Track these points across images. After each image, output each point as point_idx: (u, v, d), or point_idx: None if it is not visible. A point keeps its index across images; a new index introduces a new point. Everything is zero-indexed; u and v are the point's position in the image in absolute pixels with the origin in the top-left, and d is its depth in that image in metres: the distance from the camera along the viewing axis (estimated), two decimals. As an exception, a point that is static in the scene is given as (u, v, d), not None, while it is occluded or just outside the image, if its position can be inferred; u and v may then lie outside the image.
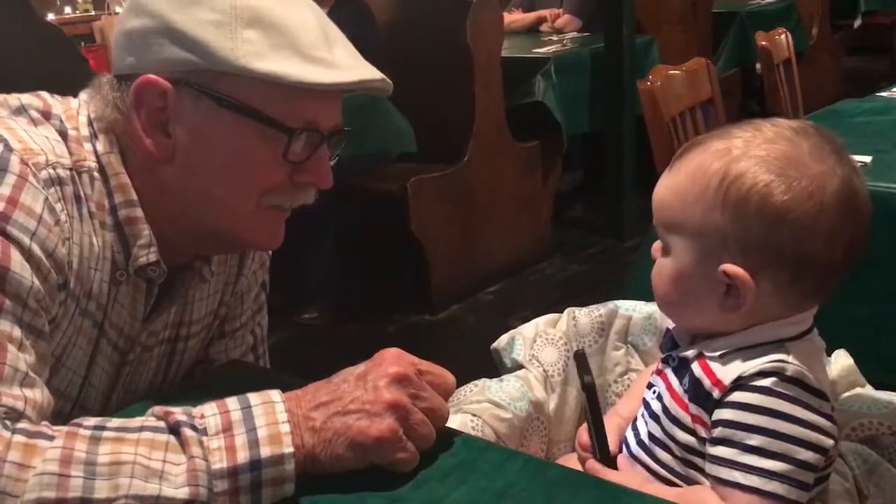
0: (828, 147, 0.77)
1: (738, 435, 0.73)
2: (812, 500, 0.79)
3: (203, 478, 0.69)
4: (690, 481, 0.80)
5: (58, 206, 0.83)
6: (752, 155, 0.76)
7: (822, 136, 0.78)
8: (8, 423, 0.70)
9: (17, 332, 0.77)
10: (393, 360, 0.78)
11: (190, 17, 0.84)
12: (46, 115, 0.89)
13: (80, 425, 0.71)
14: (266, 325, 1.20)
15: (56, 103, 0.91)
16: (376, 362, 0.78)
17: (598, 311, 1.12)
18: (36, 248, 0.79)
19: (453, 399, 1.00)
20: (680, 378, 0.82)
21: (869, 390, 0.94)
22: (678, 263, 0.80)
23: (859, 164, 1.55)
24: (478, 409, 1.00)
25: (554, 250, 3.58)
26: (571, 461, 0.99)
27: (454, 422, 0.96)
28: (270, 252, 1.15)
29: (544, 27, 4.35)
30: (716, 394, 0.77)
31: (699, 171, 0.78)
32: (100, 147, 0.89)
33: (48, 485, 0.66)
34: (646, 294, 1.12)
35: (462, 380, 0.95)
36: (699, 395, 0.79)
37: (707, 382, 0.78)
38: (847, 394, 0.94)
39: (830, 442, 0.74)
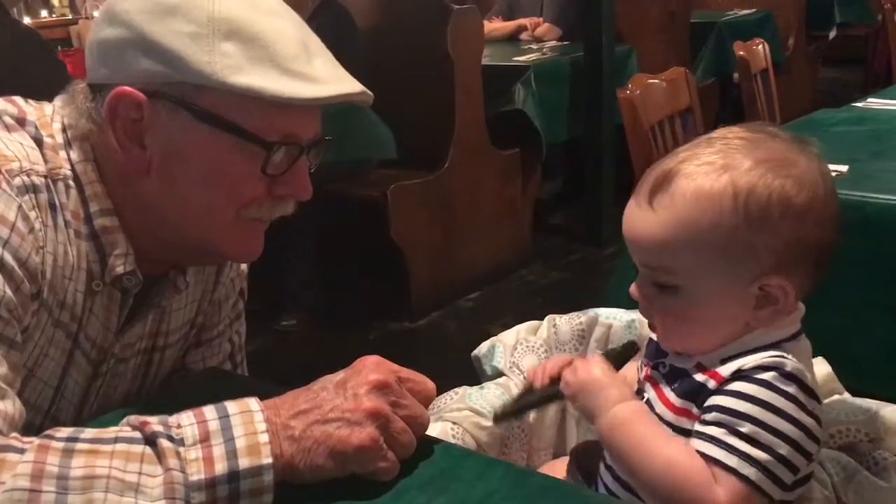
0: (792, 139, 0.80)
1: (730, 420, 0.74)
2: (791, 506, 0.80)
3: (180, 490, 0.67)
4: None
5: (32, 214, 0.82)
6: (747, 166, 0.76)
7: (779, 132, 0.81)
8: None
9: None
10: (373, 367, 0.77)
11: (166, 28, 0.82)
12: (21, 122, 0.87)
13: (51, 437, 0.69)
14: (244, 333, 1.18)
15: (30, 109, 0.89)
16: (356, 370, 0.78)
17: (579, 318, 1.12)
18: (8, 257, 0.78)
19: (433, 407, 0.99)
20: (671, 384, 0.82)
21: (847, 398, 0.95)
22: (697, 296, 0.78)
23: (835, 173, 1.57)
24: (458, 417, 0.99)
25: (533, 257, 3.58)
26: (553, 469, 0.99)
27: (434, 430, 0.95)
28: (246, 265, 1.14)
29: (524, 35, 4.37)
30: (711, 384, 0.77)
31: (701, 197, 0.76)
32: (74, 156, 0.87)
33: (19, 501, 0.64)
34: (624, 302, 1.13)
35: (442, 387, 0.95)
36: (690, 390, 0.79)
37: (703, 377, 0.78)
38: (826, 401, 0.94)
39: (815, 447, 0.75)
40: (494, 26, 4.42)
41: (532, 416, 1.06)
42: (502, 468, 0.78)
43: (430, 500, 0.72)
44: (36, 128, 0.87)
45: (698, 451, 0.74)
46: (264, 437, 0.71)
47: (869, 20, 6.02)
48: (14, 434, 0.71)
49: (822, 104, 3.04)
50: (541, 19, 4.38)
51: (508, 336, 1.11)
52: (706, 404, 0.77)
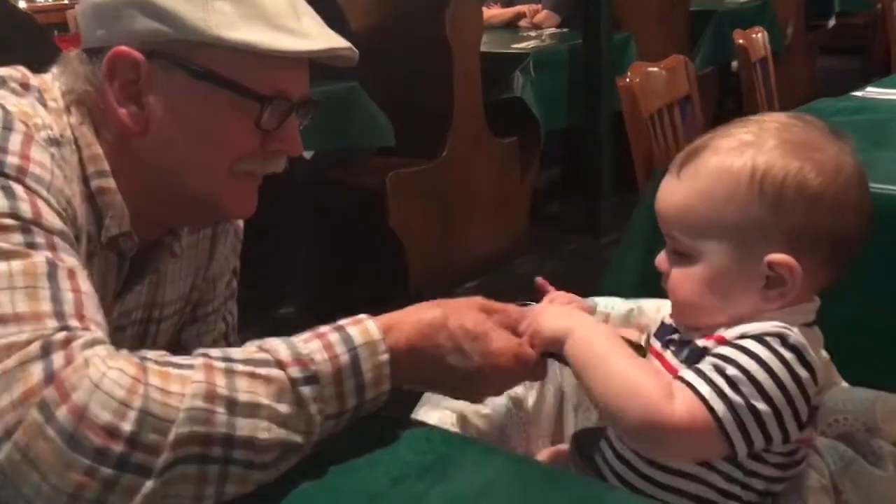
0: (827, 129, 0.81)
1: (719, 363, 0.75)
2: (788, 494, 0.80)
3: (317, 424, 0.73)
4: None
5: (62, 164, 0.84)
6: (770, 146, 0.78)
7: (817, 122, 0.82)
8: (124, 351, 0.71)
9: (76, 261, 0.77)
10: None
11: None
12: (25, 87, 0.89)
13: (209, 356, 0.72)
14: (236, 314, 1.20)
15: (32, 75, 0.91)
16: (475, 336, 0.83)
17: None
18: (53, 201, 0.79)
19: (431, 396, 1.00)
20: (678, 355, 0.83)
21: (845, 387, 0.95)
22: (712, 267, 0.80)
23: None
24: (457, 404, 1.00)
25: (531, 247, 3.58)
26: (551, 456, 0.99)
27: (433, 418, 0.95)
28: (242, 238, 1.15)
29: (523, 23, 4.35)
30: (711, 344, 0.78)
31: (722, 171, 0.78)
32: (73, 119, 0.89)
33: (198, 419, 0.67)
34: (621, 291, 1.13)
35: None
36: (693, 355, 0.79)
37: (707, 342, 0.79)
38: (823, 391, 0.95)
39: (794, 423, 0.74)
40: (493, 13, 4.41)
41: (531, 402, 1.06)
42: (501, 456, 0.78)
43: (429, 488, 0.72)
44: (40, 92, 0.89)
45: (678, 377, 0.75)
46: (387, 370, 0.77)
47: (868, 8, 6.01)
48: (162, 351, 0.73)
49: (820, 93, 3.03)
50: (539, 6, 4.36)
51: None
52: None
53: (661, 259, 0.85)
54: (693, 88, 2.37)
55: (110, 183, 0.90)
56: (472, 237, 3.32)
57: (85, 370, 0.67)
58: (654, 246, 0.86)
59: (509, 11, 4.47)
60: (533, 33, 4.06)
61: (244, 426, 0.69)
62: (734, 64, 3.80)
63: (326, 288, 3.16)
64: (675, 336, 0.85)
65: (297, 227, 2.95)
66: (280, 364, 0.73)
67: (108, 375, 0.67)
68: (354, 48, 0.94)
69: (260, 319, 2.94)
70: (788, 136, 0.79)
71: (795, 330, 0.77)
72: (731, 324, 0.80)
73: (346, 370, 0.75)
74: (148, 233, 0.96)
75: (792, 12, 5.15)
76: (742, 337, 0.77)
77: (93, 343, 0.70)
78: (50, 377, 0.66)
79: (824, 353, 0.97)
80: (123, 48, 0.86)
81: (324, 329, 0.78)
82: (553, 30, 4.15)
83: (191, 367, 0.71)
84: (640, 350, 0.85)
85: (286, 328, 1.23)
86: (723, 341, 0.78)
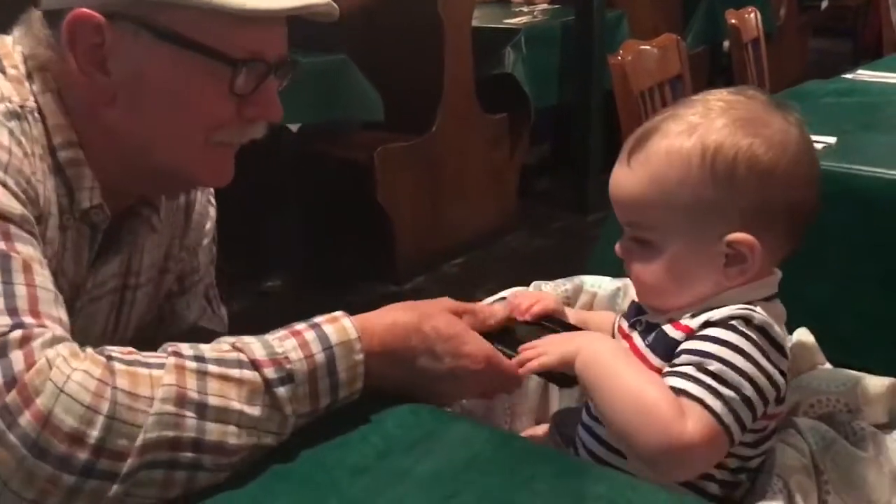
0: (771, 103, 0.81)
1: (698, 360, 0.75)
2: (768, 473, 0.81)
3: (290, 424, 0.73)
4: None
5: (22, 139, 0.80)
6: (718, 125, 0.77)
7: (759, 96, 0.82)
8: (89, 350, 0.69)
9: (33, 252, 0.74)
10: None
11: None
12: None
13: (181, 355, 0.70)
14: (213, 272, 1.18)
15: None
16: (450, 338, 0.81)
17: (564, 285, 1.12)
18: (11, 182, 0.76)
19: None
20: (644, 338, 0.83)
21: (827, 367, 0.96)
22: (671, 252, 0.80)
23: (824, 145, 1.57)
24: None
25: (519, 223, 3.58)
26: (534, 434, 1.00)
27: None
28: (213, 198, 1.12)
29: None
30: (681, 337, 0.78)
31: (672, 154, 0.78)
32: (35, 87, 0.84)
33: (167, 424, 0.66)
34: (608, 269, 1.13)
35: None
36: (664, 345, 0.79)
37: (674, 331, 0.79)
38: (807, 373, 0.95)
39: (773, 393, 0.76)
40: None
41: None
42: (486, 432, 0.78)
43: (415, 463, 0.72)
44: None
45: (669, 386, 0.75)
46: (361, 369, 0.76)
47: (860, -9, 6.01)
48: (129, 349, 0.71)
49: (812, 74, 3.03)
50: None
51: (493, 301, 1.10)
52: (677, 351, 0.78)
53: (618, 247, 0.84)
54: (685, 68, 2.37)
55: (79, 154, 0.85)
56: (461, 213, 3.32)
57: (48, 373, 0.64)
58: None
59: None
60: (525, 9, 4.03)
61: (214, 431, 0.68)
62: (726, 43, 3.79)
63: (313, 262, 3.16)
64: (643, 318, 0.85)
65: (283, 200, 2.93)
66: (254, 364, 0.71)
67: (72, 378, 0.65)
68: (333, 3, 0.89)
69: (246, 292, 2.94)
70: (734, 113, 0.78)
71: (758, 309, 0.77)
72: (695, 304, 0.80)
73: (321, 369, 0.74)
74: (120, 203, 0.92)
75: (785, -7, 5.14)
76: (707, 324, 0.77)
77: (53, 342, 0.67)
78: (11, 381, 0.63)
79: (810, 338, 0.98)
80: (83, 10, 0.80)
81: (299, 326, 0.76)
82: (545, 6, 4.12)
83: (161, 366, 0.69)
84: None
85: (272, 301, 1.22)
86: (690, 332, 0.78)
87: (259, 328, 0.77)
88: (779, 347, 0.77)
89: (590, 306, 1.10)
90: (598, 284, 1.11)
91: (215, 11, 0.80)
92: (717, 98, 0.81)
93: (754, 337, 0.75)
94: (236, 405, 0.69)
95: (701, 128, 0.78)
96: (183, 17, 0.81)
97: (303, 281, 3.06)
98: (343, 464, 0.72)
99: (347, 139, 3.11)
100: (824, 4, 5.80)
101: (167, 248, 1.05)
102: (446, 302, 0.87)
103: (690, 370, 0.75)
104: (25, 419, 0.62)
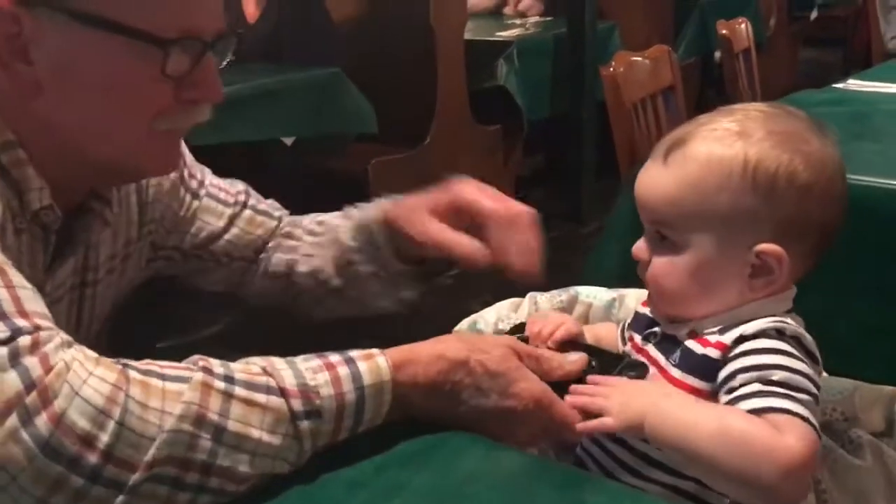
0: (811, 121, 0.82)
1: (759, 374, 0.74)
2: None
3: (307, 457, 0.71)
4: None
5: None
6: (759, 136, 0.78)
7: (800, 113, 0.83)
8: (105, 359, 0.67)
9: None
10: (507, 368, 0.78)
11: None
12: None
13: (211, 372, 0.68)
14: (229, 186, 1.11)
15: None
16: (503, 378, 0.78)
17: (560, 296, 1.12)
18: None
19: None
20: (667, 354, 0.82)
21: (824, 377, 0.96)
22: (698, 256, 0.79)
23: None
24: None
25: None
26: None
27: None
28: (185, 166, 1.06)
29: (507, 10, 4.34)
30: (716, 354, 0.77)
31: (712, 160, 0.78)
32: None
33: (180, 443, 0.65)
34: (602, 280, 1.13)
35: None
36: (693, 363, 0.79)
37: (703, 349, 0.78)
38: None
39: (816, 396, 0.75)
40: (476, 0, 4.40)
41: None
42: (484, 446, 0.77)
43: (412, 476, 0.72)
44: None
45: (748, 410, 0.72)
46: (385, 409, 0.75)
47: (849, 1, 6.05)
48: (146, 360, 0.69)
49: (802, 84, 3.05)
50: None
51: (489, 313, 1.11)
52: (722, 377, 0.76)
53: (641, 247, 0.84)
54: (676, 78, 2.38)
55: (20, 154, 0.81)
56: (455, 225, 3.31)
57: (66, 374, 0.64)
58: (636, 235, 0.86)
59: (493, -1, 4.46)
60: (517, 21, 4.05)
61: (227, 456, 0.67)
62: (717, 54, 3.81)
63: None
64: (656, 329, 0.85)
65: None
66: (283, 392, 0.70)
67: (88, 382, 0.64)
68: None
69: (239, 304, 2.92)
70: (774, 126, 0.79)
71: (788, 320, 0.78)
72: (715, 314, 0.80)
73: (349, 408, 0.72)
74: (71, 199, 0.88)
75: (775, 3, 5.17)
76: (742, 339, 0.76)
77: (65, 345, 0.67)
78: (31, 385, 0.63)
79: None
80: None
81: (334, 359, 0.74)
82: (537, 18, 4.14)
83: (179, 379, 0.68)
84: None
85: (266, 313, 1.22)
86: (725, 349, 0.77)
87: (254, 342, 0.76)
88: (812, 356, 0.77)
89: (585, 317, 1.10)
90: (594, 295, 1.11)
91: None
92: (758, 110, 0.82)
93: (793, 344, 0.76)
94: (255, 433, 0.68)
95: (743, 137, 0.78)
96: (104, 0, 0.77)
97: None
98: (339, 477, 0.72)
99: (342, 152, 3.11)
100: (814, 14, 5.84)
101: (125, 234, 1.01)
102: (507, 339, 0.84)
103: (757, 387, 0.73)
104: (42, 419, 0.62)
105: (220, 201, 1.09)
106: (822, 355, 0.97)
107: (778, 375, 0.73)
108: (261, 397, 0.69)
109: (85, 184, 0.90)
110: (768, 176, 0.77)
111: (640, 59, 2.24)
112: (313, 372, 0.72)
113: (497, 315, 1.10)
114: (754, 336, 0.76)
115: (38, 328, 0.67)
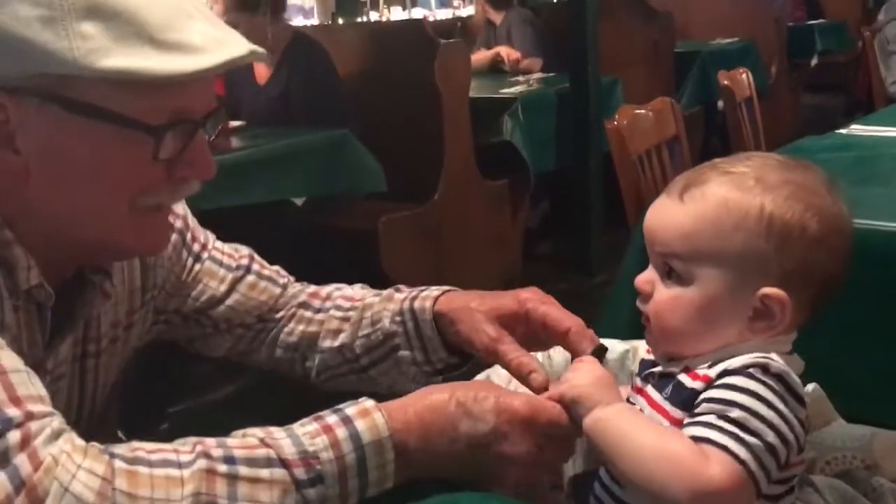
0: (824, 177, 0.83)
1: (720, 408, 0.75)
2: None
3: None
4: None
5: None
6: (776, 185, 0.80)
7: (815, 167, 0.84)
8: (98, 445, 0.67)
9: None
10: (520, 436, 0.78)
11: (10, 16, 0.73)
12: None
13: (210, 457, 0.68)
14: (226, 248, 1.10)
15: None
16: (502, 432, 0.77)
17: (574, 348, 1.11)
18: None
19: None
20: (661, 389, 0.82)
21: (842, 424, 0.95)
22: (705, 292, 0.81)
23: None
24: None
25: (524, 287, 3.56)
26: (547, 500, 0.98)
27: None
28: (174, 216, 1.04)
29: (505, 66, 4.43)
30: (700, 386, 0.78)
31: (731, 200, 0.80)
32: None
33: None
34: (616, 332, 1.13)
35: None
36: (682, 396, 0.79)
37: (692, 382, 0.79)
38: (822, 429, 0.94)
39: (794, 440, 0.75)
40: (475, 57, 4.49)
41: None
42: (498, 503, 0.77)
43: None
44: None
45: (690, 436, 0.75)
46: (391, 467, 0.74)
47: (848, 47, 6.13)
48: (135, 443, 0.69)
49: (805, 130, 3.08)
50: (512, 49, 4.44)
51: (501, 368, 1.10)
52: (696, 401, 0.77)
53: (645, 279, 0.85)
54: (680, 129, 2.40)
55: (6, 235, 0.80)
56: (465, 279, 3.32)
57: (54, 471, 0.63)
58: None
59: (489, 54, 4.56)
60: (520, 78, 4.13)
61: None
62: (720, 103, 3.86)
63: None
64: (656, 370, 0.85)
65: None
66: (284, 463, 0.70)
67: (77, 478, 0.64)
68: (258, 48, 0.82)
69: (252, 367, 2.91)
70: (791, 176, 0.81)
71: (774, 356, 0.78)
72: (712, 352, 0.80)
73: (351, 469, 0.72)
74: (61, 276, 0.87)
75: (775, 51, 5.25)
76: (725, 373, 0.77)
77: (54, 436, 0.66)
78: (20, 485, 0.62)
79: (819, 390, 0.97)
80: None
81: (331, 420, 0.74)
82: (539, 74, 4.22)
83: (173, 464, 0.67)
84: (601, 350, 0.88)
85: (280, 374, 1.21)
86: (709, 381, 0.78)
87: (267, 402, 0.76)
88: (796, 396, 0.77)
89: (599, 369, 1.10)
90: (608, 346, 1.11)
91: (128, 80, 0.74)
92: (775, 159, 0.84)
93: (773, 384, 0.76)
94: None
95: (761, 183, 0.80)
96: (92, 87, 0.75)
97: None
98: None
99: (351, 210, 3.14)
100: (814, 61, 5.92)
101: (128, 303, 1.00)
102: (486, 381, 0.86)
103: (712, 419, 0.75)
104: None
105: (223, 265, 1.08)
106: (838, 399, 0.97)
107: (736, 413, 0.74)
108: (264, 472, 0.69)
109: (75, 261, 0.90)
110: (783, 223, 0.79)
111: (643, 111, 2.27)
112: (311, 437, 0.72)
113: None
114: (735, 372, 0.77)
115: (29, 416, 0.66)
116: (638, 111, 2.24)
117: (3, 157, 0.78)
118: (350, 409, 0.75)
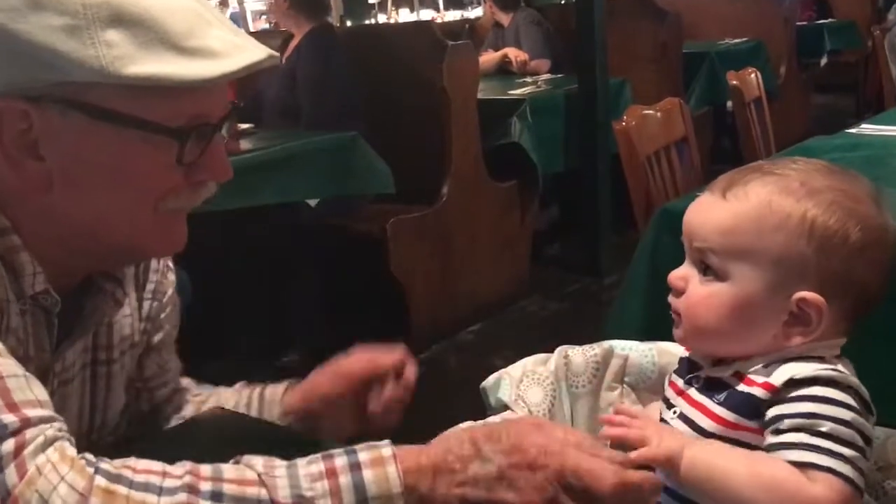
0: (870, 187, 0.83)
1: (808, 423, 0.74)
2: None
3: None
4: None
5: None
6: (821, 190, 0.80)
7: (861, 177, 0.84)
8: (88, 457, 0.66)
9: None
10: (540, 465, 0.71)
11: (35, 26, 0.73)
12: None
13: (196, 492, 0.65)
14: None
15: None
16: (519, 460, 0.72)
17: (594, 350, 1.10)
18: None
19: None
20: (711, 395, 0.82)
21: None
22: (741, 291, 0.80)
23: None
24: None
25: (533, 289, 3.58)
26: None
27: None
28: (172, 272, 1.07)
29: (513, 68, 4.43)
30: (762, 394, 0.77)
31: (774, 201, 0.80)
32: None
33: None
34: (625, 336, 1.12)
35: (444, 420, 0.94)
36: (737, 401, 0.79)
37: (748, 388, 0.78)
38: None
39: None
40: (483, 59, 4.49)
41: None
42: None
43: None
44: None
45: (788, 461, 0.73)
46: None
47: (858, 46, 6.10)
48: (119, 461, 0.67)
49: (815, 130, 3.07)
50: (519, 51, 4.44)
51: (515, 368, 1.10)
52: (770, 416, 0.76)
53: (679, 275, 0.84)
54: (689, 130, 2.39)
55: (13, 241, 0.80)
56: (474, 281, 3.33)
57: (36, 482, 0.63)
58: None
59: (497, 55, 4.56)
60: (529, 79, 4.13)
61: None
62: (729, 104, 3.85)
63: (328, 335, 3.15)
64: (701, 373, 0.84)
65: (299, 274, 2.95)
66: (270, 492, 0.66)
67: (58, 490, 0.63)
68: (275, 53, 0.83)
69: (262, 368, 2.93)
70: (836, 183, 0.81)
71: (840, 367, 0.78)
72: (760, 356, 0.80)
73: None
74: (73, 279, 0.88)
75: (784, 52, 5.23)
76: (794, 383, 0.76)
77: (44, 446, 0.65)
78: (6, 495, 0.62)
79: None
80: (3, 99, 0.75)
81: (338, 462, 0.69)
82: (548, 76, 4.22)
83: (154, 489, 0.65)
84: None
85: (288, 376, 1.22)
86: (771, 389, 0.77)
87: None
88: (868, 407, 0.77)
89: (622, 370, 1.08)
90: (629, 347, 1.09)
91: (152, 86, 0.75)
92: (822, 164, 0.84)
93: (850, 395, 0.76)
94: None
95: (806, 187, 0.80)
96: (117, 93, 0.76)
97: (319, 355, 3.04)
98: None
99: (360, 212, 3.15)
100: (823, 61, 5.89)
101: (139, 313, 1.01)
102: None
103: (804, 437, 0.74)
104: None
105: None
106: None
107: (826, 427, 0.73)
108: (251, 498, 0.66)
109: (88, 267, 0.90)
110: (825, 228, 0.78)
111: (651, 112, 2.26)
112: (312, 480, 0.68)
113: (523, 370, 1.10)
114: (807, 382, 0.76)
115: (26, 422, 0.66)
116: (646, 112, 2.24)
117: (26, 165, 0.78)
118: (363, 454, 0.70)
